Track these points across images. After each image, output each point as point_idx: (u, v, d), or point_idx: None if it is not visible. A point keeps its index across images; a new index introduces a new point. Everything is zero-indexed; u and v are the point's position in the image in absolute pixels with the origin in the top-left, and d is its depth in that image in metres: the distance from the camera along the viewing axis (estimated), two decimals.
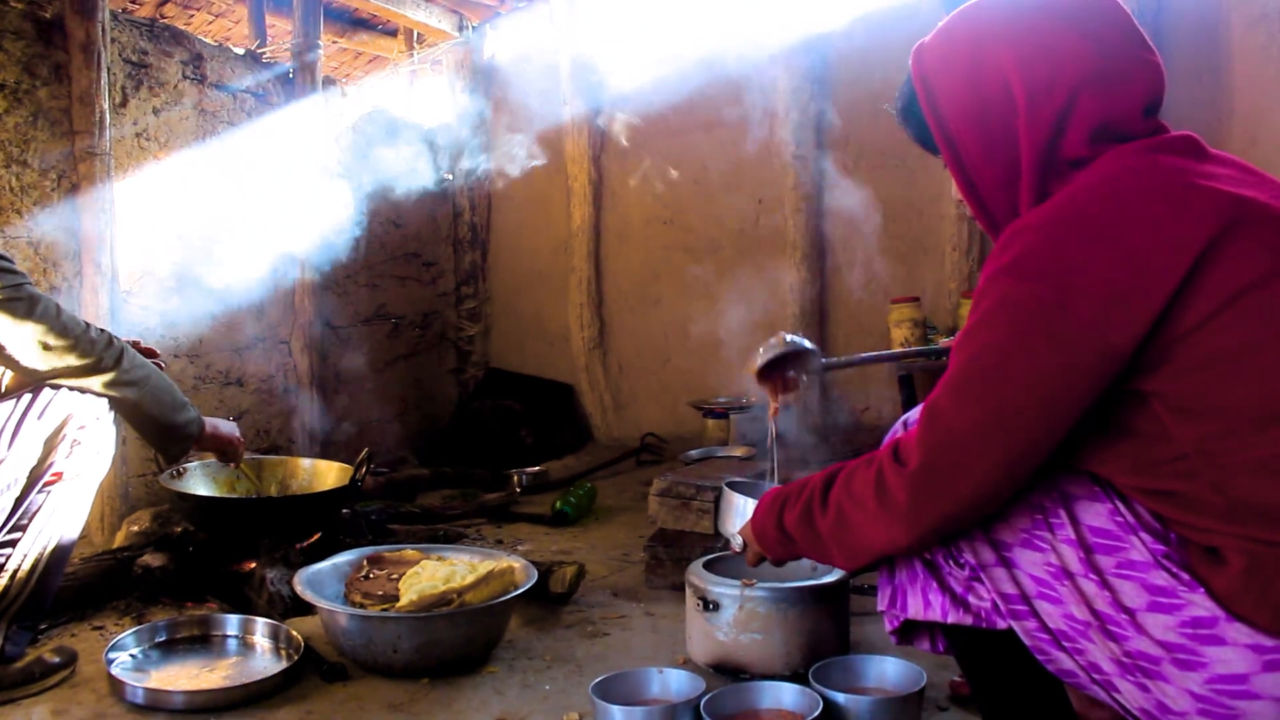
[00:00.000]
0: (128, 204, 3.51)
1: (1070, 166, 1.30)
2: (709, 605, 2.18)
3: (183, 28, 4.16)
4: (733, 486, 2.01)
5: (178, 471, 2.81)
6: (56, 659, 2.19)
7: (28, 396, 2.06)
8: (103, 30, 3.36)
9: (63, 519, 2.12)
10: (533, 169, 4.86)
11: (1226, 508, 1.17)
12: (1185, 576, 1.20)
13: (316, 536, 2.84)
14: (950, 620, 1.39)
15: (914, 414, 1.47)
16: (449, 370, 5.36)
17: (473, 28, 5.26)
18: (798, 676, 2.07)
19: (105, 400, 2.12)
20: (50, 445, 2.07)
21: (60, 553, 2.14)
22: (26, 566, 2.09)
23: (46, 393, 2.07)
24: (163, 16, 4.58)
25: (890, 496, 1.29)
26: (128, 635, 2.30)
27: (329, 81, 4.63)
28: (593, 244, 5.05)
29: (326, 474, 3.08)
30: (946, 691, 2.05)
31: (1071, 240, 1.21)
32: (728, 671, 2.17)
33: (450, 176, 5.21)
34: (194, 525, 2.81)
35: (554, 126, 4.97)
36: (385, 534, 3.18)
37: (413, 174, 4.67)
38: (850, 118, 4.27)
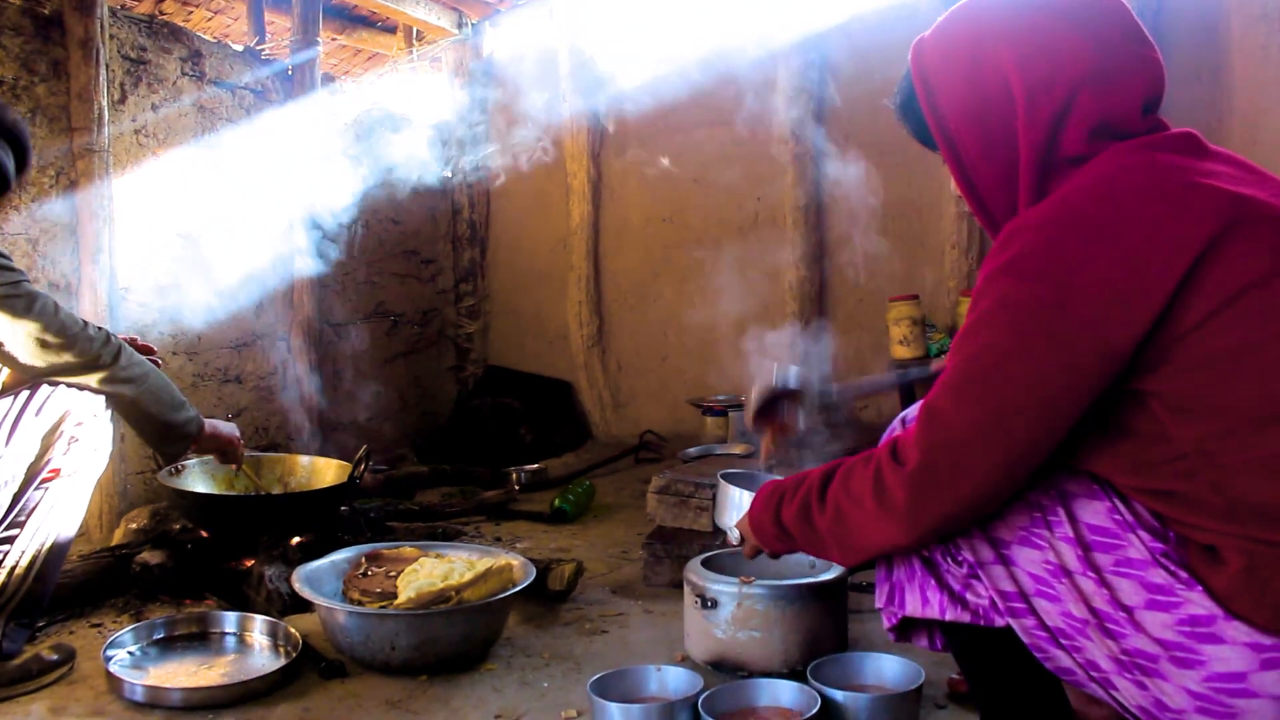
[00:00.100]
0: (126, 201, 3.50)
1: (1069, 164, 1.30)
2: (707, 603, 2.18)
3: (181, 24, 4.14)
4: (729, 478, 1.98)
5: (176, 469, 2.81)
6: (54, 656, 2.19)
7: (25, 393, 2.06)
8: (101, 26, 3.35)
9: (60, 516, 2.12)
10: (532, 166, 4.85)
11: (1226, 508, 1.17)
12: (1183, 574, 1.20)
13: (312, 536, 2.83)
14: (948, 618, 1.40)
15: (912, 411, 1.47)
16: (448, 368, 5.35)
17: (472, 25, 5.25)
18: (796, 674, 2.07)
19: (103, 397, 2.12)
20: (48, 442, 2.07)
21: (58, 549, 2.14)
22: (24, 563, 2.09)
23: (44, 389, 2.07)
24: (161, 13, 4.56)
25: (889, 496, 1.29)
26: (126, 632, 2.31)
27: (328, 78, 4.62)
28: (592, 241, 5.05)
29: (325, 471, 3.08)
30: (945, 689, 2.05)
31: (1070, 239, 1.21)
32: (726, 669, 2.17)
33: (449, 174, 5.20)
34: (192, 522, 2.81)
35: (553, 124, 4.95)
36: (384, 531, 3.17)
37: (412, 171, 4.66)
38: (850, 116, 4.27)
